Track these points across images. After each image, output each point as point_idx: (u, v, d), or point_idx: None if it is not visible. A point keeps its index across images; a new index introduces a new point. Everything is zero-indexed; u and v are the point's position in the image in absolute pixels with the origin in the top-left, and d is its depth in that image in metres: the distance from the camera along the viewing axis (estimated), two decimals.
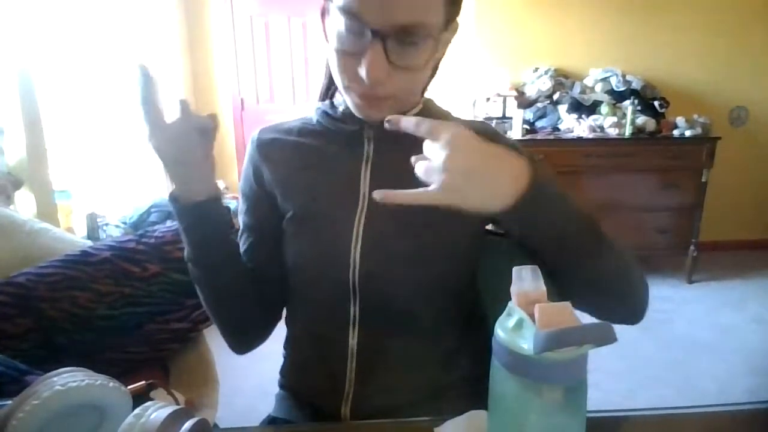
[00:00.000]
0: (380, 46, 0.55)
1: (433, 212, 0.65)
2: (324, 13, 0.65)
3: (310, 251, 0.68)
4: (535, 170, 0.51)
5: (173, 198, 0.63)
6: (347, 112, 0.68)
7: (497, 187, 0.50)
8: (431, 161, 0.50)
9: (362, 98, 0.62)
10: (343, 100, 0.68)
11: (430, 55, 0.60)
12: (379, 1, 0.54)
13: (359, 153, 0.70)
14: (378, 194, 0.52)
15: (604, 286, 0.58)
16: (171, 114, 0.58)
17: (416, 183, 0.65)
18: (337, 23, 0.57)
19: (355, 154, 0.70)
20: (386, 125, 0.54)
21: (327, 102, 0.74)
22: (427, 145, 0.51)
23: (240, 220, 0.75)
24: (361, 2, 0.55)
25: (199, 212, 0.63)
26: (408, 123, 0.52)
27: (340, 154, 0.70)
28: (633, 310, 0.63)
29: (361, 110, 0.64)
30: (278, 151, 0.72)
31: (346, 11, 0.55)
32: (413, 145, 0.68)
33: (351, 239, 0.66)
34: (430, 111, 0.73)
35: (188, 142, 0.58)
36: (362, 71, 0.56)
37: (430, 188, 0.50)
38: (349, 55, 0.58)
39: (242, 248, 0.74)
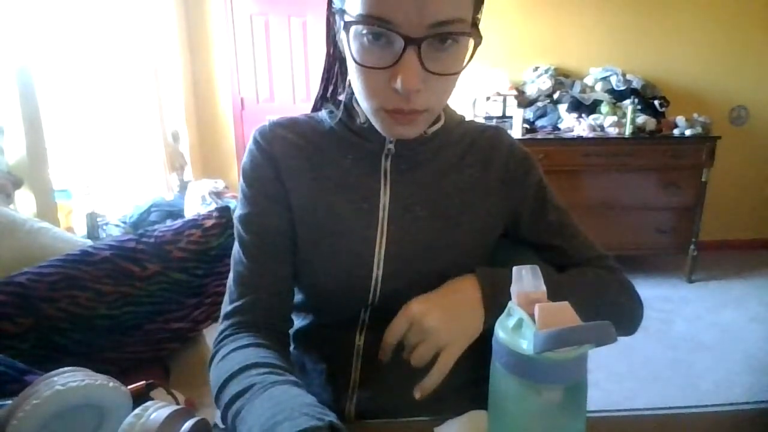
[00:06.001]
0: (415, 53, 0.50)
1: (453, 233, 0.66)
2: (332, 26, 0.62)
3: (330, 271, 0.66)
4: (484, 279, 0.61)
5: None
6: (367, 127, 0.64)
7: (470, 307, 0.59)
8: (415, 345, 0.58)
9: (395, 115, 0.56)
10: (360, 110, 0.64)
11: (464, 58, 0.56)
12: (409, 1, 0.49)
13: (377, 169, 0.66)
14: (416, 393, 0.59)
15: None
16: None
17: (435, 194, 0.66)
18: (358, 37, 0.53)
19: (373, 170, 0.66)
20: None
21: (341, 108, 0.68)
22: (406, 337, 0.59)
23: (242, 220, 0.68)
24: (389, 7, 0.49)
25: None
26: (385, 352, 0.61)
27: (357, 169, 0.67)
28: (624, 331, 0.69)
29: (393, 129, 0.58)
30: (289, 157, 0.67)
31: (372, 21, 0.50)
32: (430, 160, 0.68)
33: (373, 262, 0.64)
34: (449, 117, 0.70)
35: None
36: (396, 83, 0.52)
37: (437, 364, 0.58)
38: (377, 71, 0.53)
39: (250, 248, 0.66)
